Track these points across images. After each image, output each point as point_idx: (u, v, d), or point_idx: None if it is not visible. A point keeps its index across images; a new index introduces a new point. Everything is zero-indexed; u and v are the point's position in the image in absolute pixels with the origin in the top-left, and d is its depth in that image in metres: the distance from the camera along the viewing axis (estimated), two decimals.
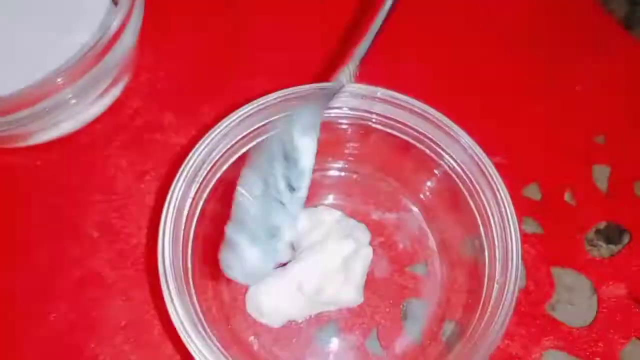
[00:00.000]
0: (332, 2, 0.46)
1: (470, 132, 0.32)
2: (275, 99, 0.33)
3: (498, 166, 0.31)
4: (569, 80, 0.44)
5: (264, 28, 0.45)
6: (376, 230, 0.37)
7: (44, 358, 0.34)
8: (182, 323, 0.28)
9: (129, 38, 0.37)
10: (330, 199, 0.38)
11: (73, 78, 0.35)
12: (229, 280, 0.35)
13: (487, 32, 0.46)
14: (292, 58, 0.43)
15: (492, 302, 0.29)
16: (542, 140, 0.42)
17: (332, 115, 0.34)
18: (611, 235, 0.39)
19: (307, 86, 0.33)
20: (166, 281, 0.28)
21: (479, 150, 0.31)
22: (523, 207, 0.39)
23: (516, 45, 0.46)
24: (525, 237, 0.38)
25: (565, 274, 0.37)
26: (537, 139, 0.42)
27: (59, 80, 0.34)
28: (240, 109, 0.32)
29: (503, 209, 0.30)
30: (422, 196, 0.36)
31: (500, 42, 0.46)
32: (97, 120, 0.40)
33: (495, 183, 0.31)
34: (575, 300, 0.37)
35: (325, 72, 0.42)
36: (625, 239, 0.39)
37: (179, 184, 0.30)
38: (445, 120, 0.32)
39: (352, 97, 0.33)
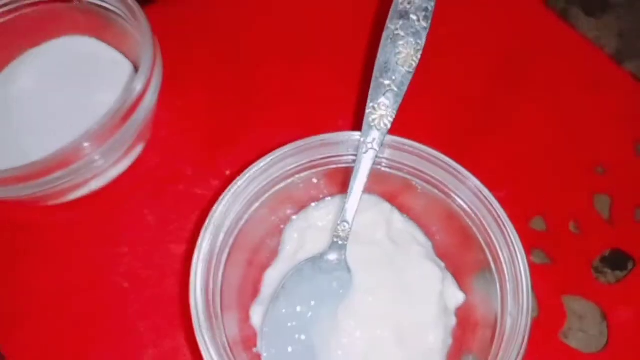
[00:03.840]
0: (340, 51, 0.49)
1: (476, 170, 0.34)
2: (290, 150, 0.35)
3: (504, 200, 0.34)
4: (565, 115, 0.47)
5: (274, 79, 0.48)
6: None
7: None
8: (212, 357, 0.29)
9: (150, 99, 0.40)
10: None
11: (100, 141, 0.37)
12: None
13: (484, 74, 0.49)
14: (301, 107, 0.46)
15: (506, 335, 0.31)
16: (544, 174, 0.44)
17: (345, 160, 0.36)
18: (616, 262, 0.40)
19: (318, 137, 0.35)
20: (199, 326, 0.30)
21: (485, 191, 0.33)
22: (530, 239, 0.41)
23: (513, 84, 0.48)
24: (534, 268, 0.39)
25: (575, 302, 0.39)
26: (539, 172, 0.44)
27: (87, 144, 0.36)
28: (259, 161, 0.35)
29: (511, 244, 0.32)
30: (433, 229, 0.38)
31: (498, 82, 0.48)
32: (122, 176, 0.42)
33: (501, 220, 0.33)
34: (586, 327, 0.38)
35: (335, 119, 0.45)
36: (630, 265, 0.40)
37: (207, 234, 0.32)
38: (453, 164, 0.34)
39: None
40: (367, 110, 0.34)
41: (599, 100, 0.48)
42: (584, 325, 0.38)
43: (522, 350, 0.29)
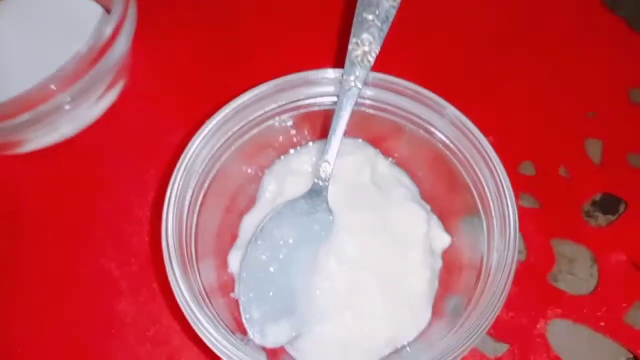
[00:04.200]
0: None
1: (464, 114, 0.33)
2: (268, 88, 0.33)
3: (492, 145, 0.32)
4: (558, 60, 0.45)
5: (258, 29, 0.46)
6: None
7: (54, 356, 0.35)
8: (187, 302, 0.28)
9: (123, 44, 0.38)
10: None
11: (67, 83, 0.35)
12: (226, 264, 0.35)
13: (479, 17, 0.47)
14: (283, 55, 0.44)
15: (492, 271, 0.30)
16: (534, 118, 0.43)
17: (327, 102, 0.34)
18: (607, 205, 0.39)
19: (299, 74, 0.34)
20: (173, 271, 0.29)
21: (470, 124, 0.32)
22: (519, 184, 0.39)
23: (506, 28, 0.47)
24: (523, 212, 0.38)
25: (564, 245, 0.38)
26: (529, 117, 0.43)
27: (52, 86, 0.35)
28: (235, 99, 0.33)
29: (499, 181, 0.31)
30: (419, 174, 0.37)
31: (491, 26, 0.47)
32: (96, 123, 0.41)
33: (488, 156, 0.31)
34: (576, 270, 0.37)
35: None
36: (621, 208, 0.39)
37: (179, 175, 0.31)
38: (431, 95, 0.33)
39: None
40: (350, 47, 0.33)
41: (593, 47, 0.46)
42: (573, 268, 0.37)
43: (508, 285, 0.28)
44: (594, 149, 0.42)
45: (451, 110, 0.32)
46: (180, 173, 0.31)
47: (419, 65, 0.43)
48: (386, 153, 0.38)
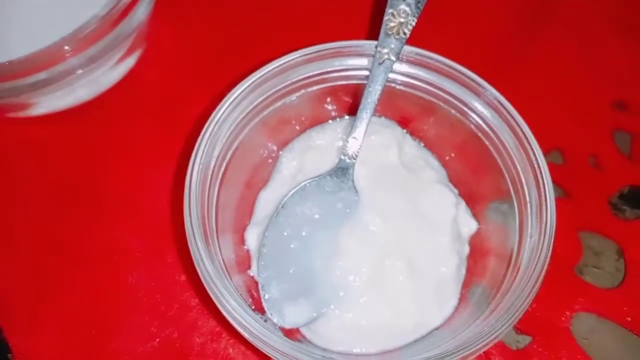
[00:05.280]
0: None
1: None
2: (298, 58, 0.32)
3: None
4: (590, 51, 0.44)
5: (281, 3, 0.44)
6: None
7: (68, 329, 0.33)
8: (209, 275, 0.27)
9: (143, 9, 0.37)
10: None
11: (83, 46, 0.34)
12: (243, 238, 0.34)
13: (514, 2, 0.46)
14: (315, 29, 0.43)
15: (524, 260, 0.29)
16: (563, 107, 0.41)
17: (357, 76, 0.33)
18: (635, 199, 0.38)
19: (330, 44, 0.32)
20: (194, 238, 0.28)
21: (510, 107, 0.30)
22: None
23: (539, 15, 0.45)
24: None
25: (591, 237, 0.37)
26: (558, 106, 0.41)
27: (67, 47, 0.33)
28: (263, 67, 0.32)
29: (536, 167, 0.30)
30: (447, 158, 0.36)
31: (525, 12, 0.45)
32: (113, 89, 0.39)
33: (527, 141, 0.30)
34: (602, 264, 0.36)
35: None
36: None
37: (204, 143, 0.30)
38: (471, 74, 0.31)
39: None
40: (386, 17, 0.31)
41: (626, 39, 0.45)
42: (600, 262, 0.36)
43: (542, 275, 0.27)
44: (623, 141, 0.40)
45: (491, 91, 0.31)
46: (204, 141, 0.30)
47: (445, 43, 0.42)
48: (414, 133, 0.37)
